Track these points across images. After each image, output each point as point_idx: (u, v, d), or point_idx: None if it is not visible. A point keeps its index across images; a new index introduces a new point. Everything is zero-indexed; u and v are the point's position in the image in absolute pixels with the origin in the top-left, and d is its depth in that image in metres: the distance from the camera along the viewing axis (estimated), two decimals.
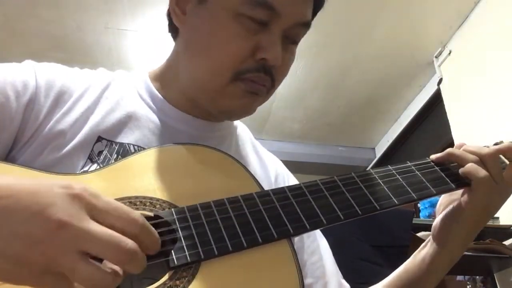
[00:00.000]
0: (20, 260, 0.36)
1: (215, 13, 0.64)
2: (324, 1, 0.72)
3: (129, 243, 0.38)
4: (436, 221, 0.69)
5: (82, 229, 0.37)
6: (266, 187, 0.72)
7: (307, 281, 0.72)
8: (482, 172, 0.62)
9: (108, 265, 0.39)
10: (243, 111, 0.68)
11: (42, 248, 0.36)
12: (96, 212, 0.39)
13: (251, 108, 0.68)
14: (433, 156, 0.68)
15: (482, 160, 0.64)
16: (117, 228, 0.39)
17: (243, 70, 0.63)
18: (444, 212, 0.68)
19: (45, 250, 0.36)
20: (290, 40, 0.67)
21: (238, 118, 0.71)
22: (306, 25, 0.67)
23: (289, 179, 0.81)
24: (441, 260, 0.68)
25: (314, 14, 0.71)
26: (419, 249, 0.71)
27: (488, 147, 0.71)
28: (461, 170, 0.64)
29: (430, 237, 0.70)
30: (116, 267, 0.39)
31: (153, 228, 0.43)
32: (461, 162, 0.65)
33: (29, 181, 0.39)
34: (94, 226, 0.38)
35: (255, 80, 0.64)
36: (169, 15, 0.71)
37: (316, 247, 0.75)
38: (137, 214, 0.41)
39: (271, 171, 0.78)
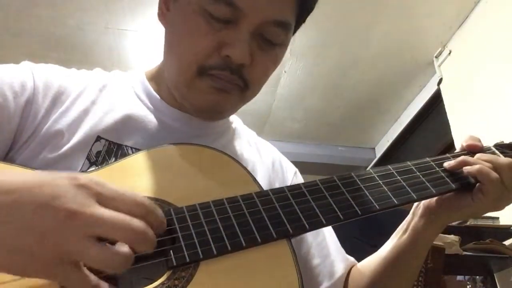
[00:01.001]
0: (32, 253, 0.36)
1: (183, 8, 0.65)
2: (314, 2, 0.69)
3: (139, 222, 0.39)
4: (434, 201, 0.68)
5: (91, 214, 0.37)
6: (264, 177, 0.72)
7: (315, 261, 0.74)
8: (493, 174, 0.62)
9: (119, 245, 0.40)
10: (213, 108, 0.67)
11: (53, 239, 0.37)
12: (103, 198, 0.39)
13: (221, 106, 0.67)
14: (447, 165, 0.67)
15: (497, 168, 0.64)
16: (125, 212, 0.40)
17: (207, 66, 0.63)
18: (446, 198, 0.67)
19: (56, 241, 0.37)
20: (266, 40, 0.65)
21: (211, 116, 0.70)
22: (283, 25, 0.65)
23: (286, 164, 0.82)
24: (431, 232, 0.70)
25: (305, 15, 0.69)
26: (406, 222, 0.72)
27: (489, 147, 0.71)
28: (469, 169, 0.64)
29: (420, 208, 0.70)
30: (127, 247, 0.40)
31: (159, 208, 0.43)
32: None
33: (34, 174, 0.40)
34: (103, 210, 0.38)
35: (221, 77, 0.64)
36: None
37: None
38: (142, 197, 0.42)
39: (268, 159, 0.79)
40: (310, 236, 0.75)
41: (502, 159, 0.66)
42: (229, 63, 0.63)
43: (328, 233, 0.79)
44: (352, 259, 0.80)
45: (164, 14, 0.69)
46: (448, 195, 0.67)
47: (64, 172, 0.45)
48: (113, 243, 0.39)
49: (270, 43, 0.65)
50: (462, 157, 0.66)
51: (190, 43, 0.63)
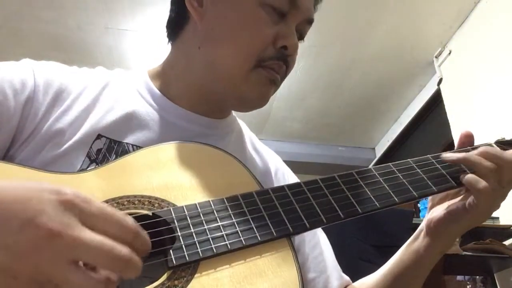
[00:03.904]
0: (8, 271, 0.35)
1: (239, 2, 0.67)
2: (319, 4, 0.75)
3: (123, 249, 0.37)
4: (433, 216, 0.68)
5: (74, 237, 0.36)
6: (266, 182, 0.72)
7: (310, 275, 0.73)
8: (481, 183, 0.61)
9: (102, 272, 0.38)
10: (260, 100, 0.70)
11: (31, 259, 0.35)
12: (88, 218, 0.38)
13: (267, 98, 0.70)
14: (445, 156, 0.66)
15: (501, 167, 0.62)
16: (110, 234, 0.38)
17: (265, 57, 0.66)
18: (444, 211, 0.67)
19: (35, 261, 0.35)
20: (298, 35, 0.71)
21: (252, 108, 0.71)
22: (311, 23, 0.72)
23: (289, 175, 0.81)
24: (434, 252, 0.69)
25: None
26: (410, 241, 0.71)
27: (491, 144, 0.70)
28: (463, 180, 0.63)
29: (423, 230, 0.69)
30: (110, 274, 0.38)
31: (146, 234, 0.41)
32: (477, 168, 0.63)
33: (18, 187, 0.38)
34: (86, 233, 0.36)
35: (275, 68, 0.67)
36: (175, 11, 0.72)
37: (317, 241, 0.76)
38: (130, 219, 0.40)
39: (271, 166, 0.79)
40: (307, 249, 0.74)
41: (507, 154, 0.63)
42: (283, 54, 0.67)
43: (326, 248, 0.77)
44: (347, 278, 0.78)
45: (197, 9, 0.69)
46: (446, 208, 0.66)
47: (59, 175, 0.44)
48: (93, 266, 0.38)
49: (299, 37, 0.71)
50: (463, 154, 0.65)
51: (251, 35, 0.66)
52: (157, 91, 0.72)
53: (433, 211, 0.69)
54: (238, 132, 0.79)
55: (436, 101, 2.99)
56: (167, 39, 0.75)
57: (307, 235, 0.75)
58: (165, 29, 0.75)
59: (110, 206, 0.40)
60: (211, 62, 0.68)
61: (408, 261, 0.70)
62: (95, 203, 0.39)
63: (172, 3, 0.73)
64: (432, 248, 0.68)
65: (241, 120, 0.83)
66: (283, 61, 0.68)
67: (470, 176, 0.63)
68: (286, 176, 0.80)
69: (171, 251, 0.48)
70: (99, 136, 0.63)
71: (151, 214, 0.51)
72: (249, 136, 0.81)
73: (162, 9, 0.74)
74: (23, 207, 0.36)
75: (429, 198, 0.71)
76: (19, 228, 0.35)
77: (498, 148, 0.67)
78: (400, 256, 0.71)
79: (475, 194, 0.62)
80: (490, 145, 0.70)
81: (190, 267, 0.48)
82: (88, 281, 0.36)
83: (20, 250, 0.35)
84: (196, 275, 0.47)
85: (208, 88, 0.70)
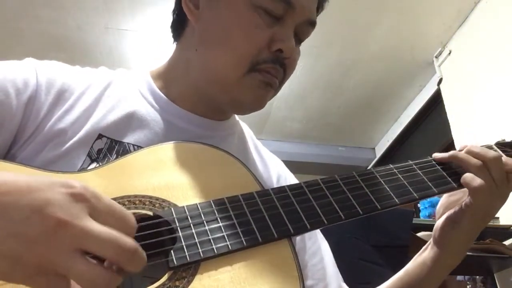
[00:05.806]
0: (16, 259, 0.35)
1: (233, 5, 0.65)
2: (325, 4, 0.74)
3: (130, 241, 0.38)
4: (437, 224, 0.68)
5: (82, 227, 0.36)
6: (267, 187, 0.72)
7: (308, 282, 0.72)
8: (476, 181, 0.62)
9: (108, 264, 0.38)
10: (256, 104, 0.69)
11: (39, 248, 0.35)
12: (95, 212, 0.38)
13: (263, 101, 0.69)
14: (436, 155, 0.67)
15: (486, 164, 0.63)
16: (116, 229, 0.38)
17: (260, 61, 0.65)
18: (444, 216, 0.67)
19: (42, 250, 0.35)
20: (298, 37, 0.69)
21: (249, 111, 0.71)
22: (313, 25, 0.70)
23: (291, 180, 0.80)
24: (442, 263, 0.68)
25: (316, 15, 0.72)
26: (420, 252, 0.71)
27: (491, 146, 0.70)
28: (462, 180, 0.64)
29: (431, 240, 0.69)
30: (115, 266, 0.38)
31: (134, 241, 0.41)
32: (465, 165, 0.64)
33: (29, 179, 0.38)
34: (94, 224, 0.37)
35: (270, 71, 0.66)
36: (176, 12, 0.72)
37: (317, 248, 0.76)
38: (132, 220, 0.41)
39: (273, 171, 0.78)
40: (306, 256, 0.74)
41: (490, 153, 0.64)
42: (279, 57, 0.66)
43: (326, 255, 0.77)
44: None
45: (193, 11, 0.68)
46: (446, 213, 0.66)
47: (60, 174, 0.44)
48: (99, 260, 0.38)
49: (299, 40, 0.70)
50: (452, 152, 0.66)
51: (244, 38, 0.64)
52: (159, 92, 0.72)
53: (439, 220, 0.69)
54: (240, 135, 0.78)
55: (436, 101, 2.99)
56: (172, 40, 0.75)
57: (308, 242, 0.74)
58: (165, 29, 0.75)
59: (116, 202, 0.40)
60: (206, 65, 0.68)
61: (414, 273, 0.69)
62: (103, 198, 0.39)
63: (174, 5, 0.73)
64: (439, 260, 0.67)
65: (243, 122, 0.82)
66: (279, 64, 0.66)
67: (466, 175, 0.63)
68: (288, 182, 0.79)
69: (172, 251, 0.48)
70: (100, 136, 0.63)
71: (152, 214, 0.51)
72: (252, 139, 0.81)
73: (162, 9, 0.74)
74: (32, 197, 0.36)
75: (436, 210, 0.70)
76: (27, 217, 0.36)
77: (484, 147, 0.67)
78: (407, 268, 0.71)
79: (470, 193, 0.63)
80: (490, 146, 0.70)
81: (191, 268, 0.48)
82: (94, 271, 0.36)
83: (28, 238, 0.35)
84: (197, 276, 0.47)
85: (204, 91, 0.69)
